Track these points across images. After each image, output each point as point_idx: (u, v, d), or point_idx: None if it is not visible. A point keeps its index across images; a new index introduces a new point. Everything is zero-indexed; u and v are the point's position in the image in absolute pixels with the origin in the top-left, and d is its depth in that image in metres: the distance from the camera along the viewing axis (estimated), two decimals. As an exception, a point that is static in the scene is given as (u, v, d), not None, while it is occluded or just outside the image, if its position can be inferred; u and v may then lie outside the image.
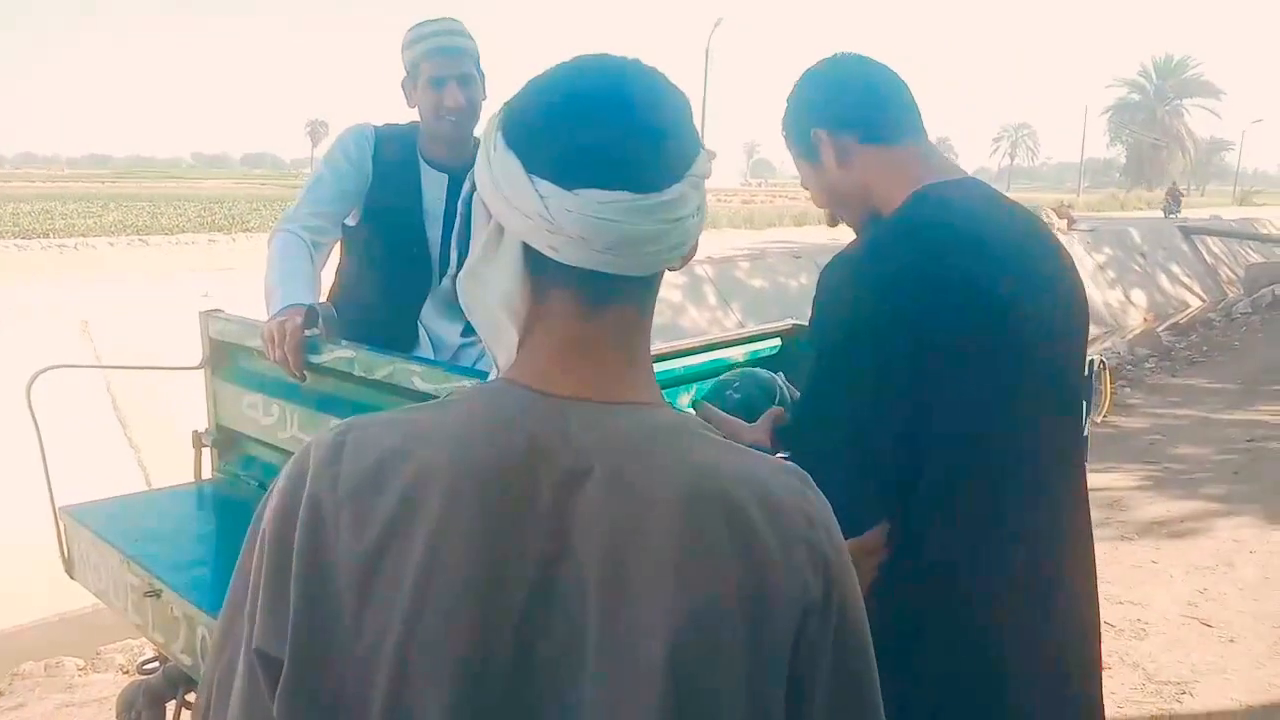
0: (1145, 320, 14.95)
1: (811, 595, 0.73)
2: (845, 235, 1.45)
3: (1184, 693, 3.41)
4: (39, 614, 4.43)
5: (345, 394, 1.97)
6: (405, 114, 2.42)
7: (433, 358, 2.37)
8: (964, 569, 1.26)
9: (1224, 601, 4.23)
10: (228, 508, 2.25)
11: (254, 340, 2.12)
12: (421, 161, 2.37)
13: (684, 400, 3.15)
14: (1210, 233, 21.22)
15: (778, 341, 3.61)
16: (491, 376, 0.87)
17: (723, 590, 0.72)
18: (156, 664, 2.10)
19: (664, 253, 0.78)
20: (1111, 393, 3.49)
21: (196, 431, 2.39)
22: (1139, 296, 16.42)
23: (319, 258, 2.28)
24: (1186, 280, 18.45)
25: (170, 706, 2.05)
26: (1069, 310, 1.37)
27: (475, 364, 2.42)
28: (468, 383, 1.67)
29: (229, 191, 47.50)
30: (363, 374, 1.89)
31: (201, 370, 2.36)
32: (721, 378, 1.92)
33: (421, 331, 2.41)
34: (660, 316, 8.17)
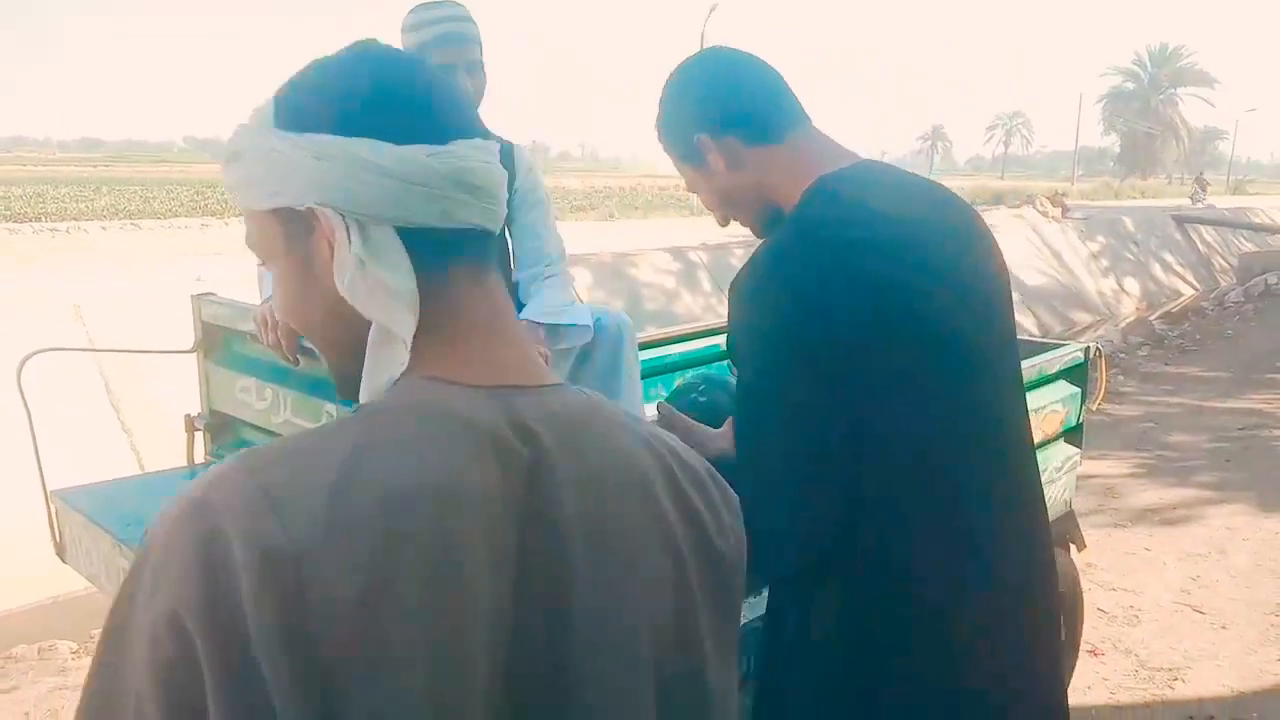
0: (1137, 310, 14.98)
1: (742, 552, 0.81)
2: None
3: (1176, 679, 3.42)
4: (32, 597, 4.41)
5: (339, 378, 1.96)
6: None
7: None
8: (917, 573, 1.23)
9: (1216, 589, 4.25)
10: (221, 492, 2.24)
11: (246, 324, 2.10)
12: None
13: (679, 384, 3.15)
14: (1204, 222, 21.23)
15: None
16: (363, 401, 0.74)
17: (691, 555, 0.75)
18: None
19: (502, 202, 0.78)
20: (1107, 380, 3.49)
21: (189, 415, 2.38)
22: (1132, 285, 16.44)
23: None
24: (1180, 269, 18.47)
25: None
26: (984, 282, 1.34)
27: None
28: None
29: (220, 176, 47.20)
30: (357, 357, 1.88)
31: (194, 354, 2.34)
32: (685, 380, 1.87)
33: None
34: (653, 303, 8.18)
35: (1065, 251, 15.87)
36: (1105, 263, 16.58)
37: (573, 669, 0.68)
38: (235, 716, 0.58)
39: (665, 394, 3.04)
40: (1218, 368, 9.66)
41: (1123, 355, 9.97)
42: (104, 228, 15.78)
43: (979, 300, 1.31)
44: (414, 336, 0.71)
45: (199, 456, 2.39)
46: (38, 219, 16.74)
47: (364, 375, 0.73)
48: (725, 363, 3.29)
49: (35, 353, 2.06)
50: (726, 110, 1.36)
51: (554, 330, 2.26)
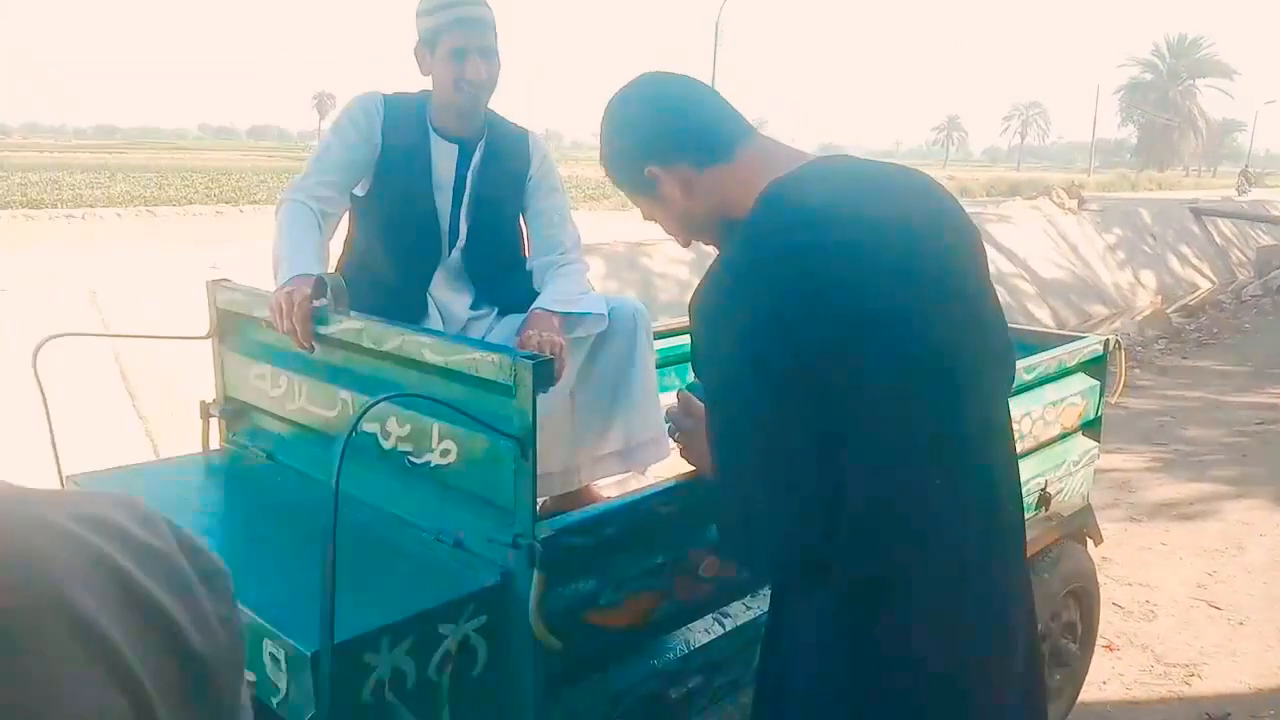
0: (1153, 303, 14.87)
1: (235, 647, 0.60)
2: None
3: (1193, 675, 3.40)
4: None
5: (354, 365, 1.95)
6: (414, 86, 2.39)
7: (441, 329, 2.35)
8: (902, 580, 1.21)
9: (1233, 584, 4.22)
10: (235, 478, 2.24)
11: (262, 310, 2.09)
12: (431, 131, 2.33)
13: (693, 375, 3.13)
14: (1221, 214, 21.02)
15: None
16: None
17: (155, 677, 0.53)
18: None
19: None
20: (1126, 373, 3.45)
21: (204, 402, 2.38)
22: (1149, 278, 16.30)
23: (327, 227, 2.25)
24: (1197, 262, 18.31)
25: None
26: (958, 275, 1.29)
27: (485, 336, 2.40)
28: (477, 354, 1.65)
29: (235, 163, 47.41)
30: (372, 345, 1.87)
31: (209, 340, 2.34)
32: None
33: (430, 303, 2.38)
34: (667, 293, 8.15)
35: (1081, 244, 15.74)
36: (1122, 255, 16.44)
37: None
38: None
39: (680, 384, 3.03)
40: (1235, 361, 9.58)
41: (1139, 348, 9.90)
42: (119, 214, 15.85)
43: (950, 295, 1.26)
44: None
45: (214, 443, 2.39)
46: (54, 205, 16.82)
47: None
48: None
49: (50, 337, 2.05)
50: (671, 138, 1.35)
51: (569, 319, 2.25)
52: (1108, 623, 3.55)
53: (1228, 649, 3.60)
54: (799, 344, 1.14)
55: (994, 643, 1.29)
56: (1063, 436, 2.81)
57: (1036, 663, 1.39)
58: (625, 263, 9.27)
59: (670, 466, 2.49)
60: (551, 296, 2.29)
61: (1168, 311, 13.25)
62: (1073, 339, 2.93)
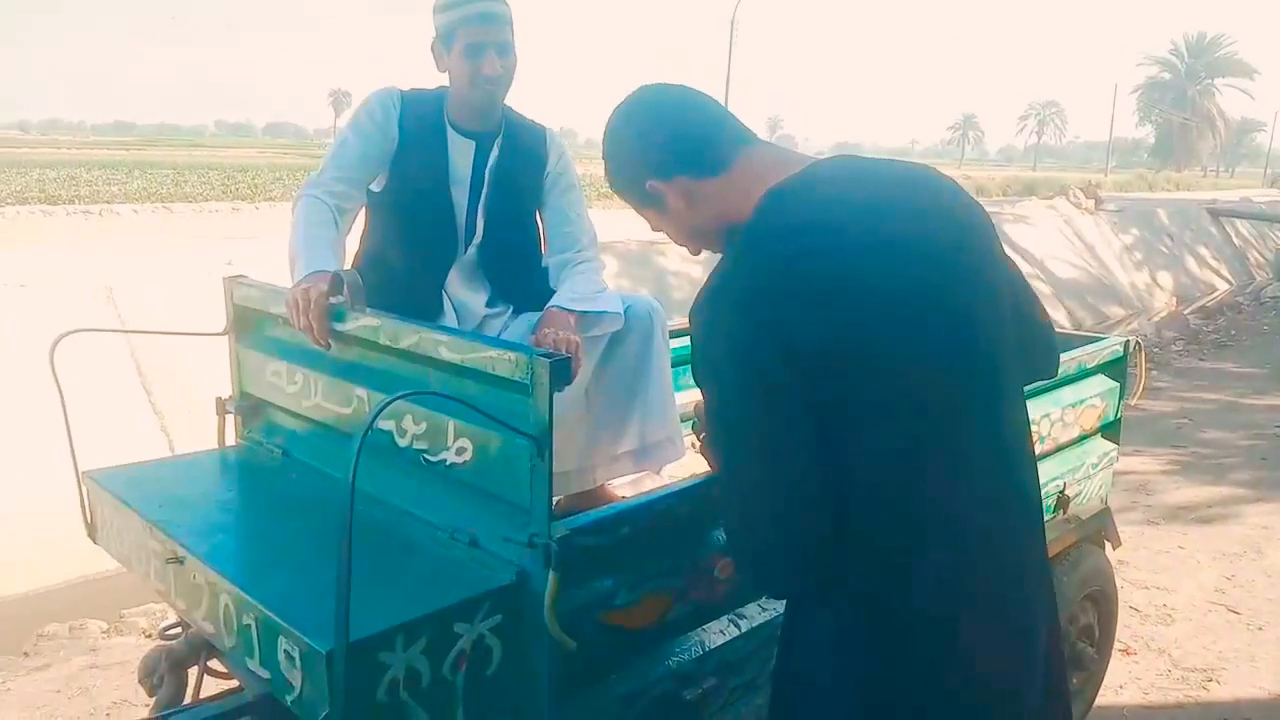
0: (1167, 305, 14.77)
1: None
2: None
3: (1211, 680, 3.37)
4: (64, 576, 4.47)
5: (370, 362, 1.95)
6: (431, 83, 2.38)
7: (457, 326, 2.34)
8: (911, 592, 1.19)
9: (1251, 589, 4.18)
10: (251, 474, 2.24)
11: (278, 307, 2.09)
12: (449, 127, 2.33)
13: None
14: (1239, 215, 20.88)
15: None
16: None
17: None
18: (178, 629, 2.10)
19: None
20: (1146, 375, 3.42)
21: (220, 398, 2.38)
22: (1165, 279, 16.20)
23: (344, 223, 2.25)
24: (1214, 263, 18.18)
25: (192, 672, 2.05)
26: (972, 273, 1.25)
27: (500, 334, 2.39)
28: (494, 353, 1.64)
29: (251, 160, 47.61)
30: (388, 343, 1.86)
31: (225, 337, 2.34)
32: None
33: (446, 300, 2.38)
34: (680, 291, 8.14)
35: (1098, 244, 15.65)
36: (1139, 256, 16.35)
37: None
38: None
39: (693, 383, 3.02)
40: (1253, 363, 9.51)
41: (1156, 350, 9.83)
42: (136, 210, 15.92)
43: (960, 291, 1.23)
44: None
45: (230, 439, 2.39)
46: (71, 201, 16.91)
47: None
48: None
49: (67, 333, 2.06)
50: (670, 152, 1.35)
51: (585, 317, 2.24)
52: (1124, 626, 3.52)
53: (1246, 654, 3.57)
54: (797, 354, 1.13)
55: (1012, 645, 1.26)
56: (1081, 438, 2.79)
57: (1059, 664, 1.37)
58: (638, 261, 9.27)
59: (685, 466, 2.48)
60: (568, 295, 2.28)
61: (1185, 313, 13.16)
62: (1092, 340, 2.91)
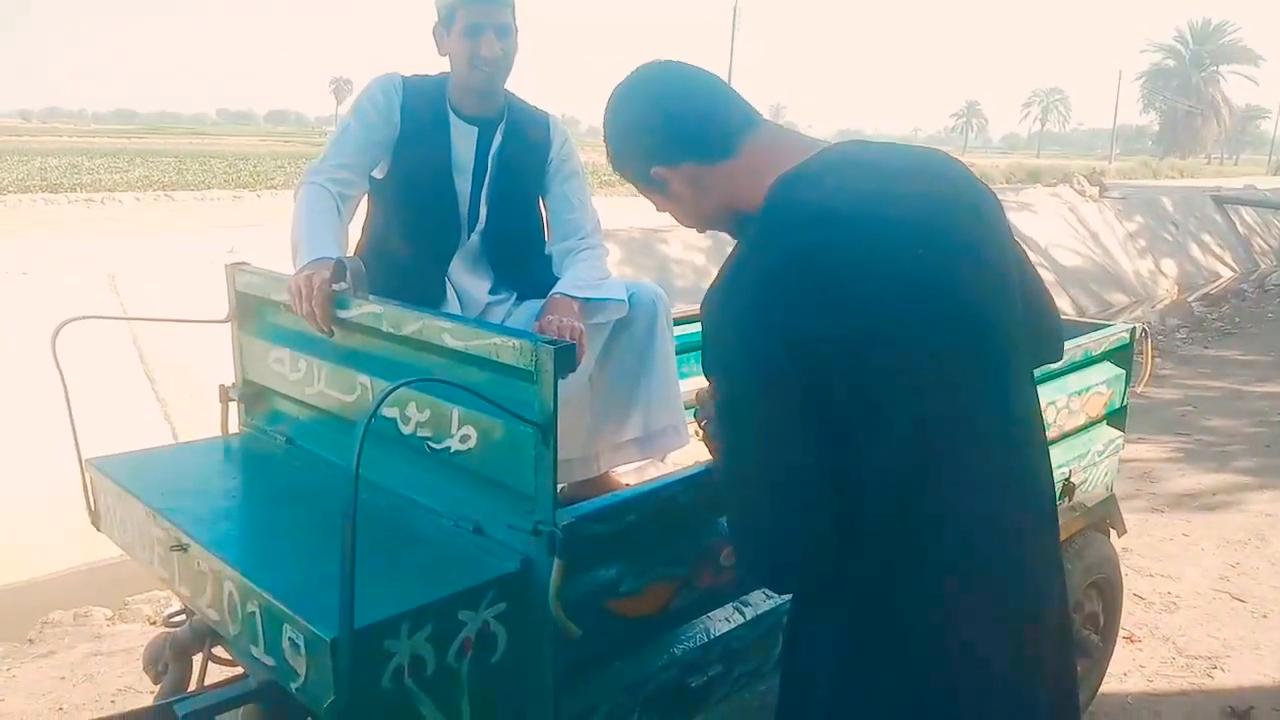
0: (1168, 292, 14.73)
1: None
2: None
3: (1215, 667, 3.36)
4: (68, 563, 4.47)
5: (373, 349, 1.94)
6: (432, 70, 2.37)
7: (460, 313, 2.33)
8: (912, 593, 1.17)
9: (1256, 576, 4.17)
10: (254, 462, 2.23)
11: (281, 294, 2.08)
12: (451, 113, 2.31)
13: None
14: (1244, 203, 20.79)
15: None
16: None
17: None
18: (182, 616, 2.10)
19: None
20: (1153, 362, 3.41)
21: (223, 385, 2.37)
22: (1170, 266, 16.16)
23: (346, 210, 2.24)
24: (1218, 250, 18.12)
25: (196, 659, 2.05)
26: (973, 251, 1.24)
27: (504, 321, 2.38)
28: (498, 339, 1.63)
29: (253, 148, 47.56)
30: (391, 330, 1.86)
31: (228, 324, 2.33)
32: None
33: (449, 287, 2.37)
34: (683, 280, 8.13)
35: (1102, 231, 15.60)
36: (1143, 243, 16.29)
37: None
38: None
39: (697, 370, 3.01)
40: (1258, 351, 9.49)
41: (1160, 337, 9.81)
42: (138, 198, 15.91)
43: (975, 284, 1.21)
44: None
45: (233, 426, 2.39)
46: (73, 190, 16.89)
47: None
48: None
49: (69, 320, 2.05)
50: (676, 136, 1.32)
51: (589, 304, 2.23)
52: (1129, 614, 3.51)
53: (1250, 642, 3.56)
54: (810, 348, 1.11)
55: (1019, 637, 1.24)
56: (1087, 426, 2.78)
57: (1067, 654, 1.35)
58: (641, 248, 9.25)
59: (689, 453, 2.47)
60: (571, 281, 2.27)
61: (1189, 300, 13.13)
62: (1098, 327, 2.89)
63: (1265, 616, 3.78)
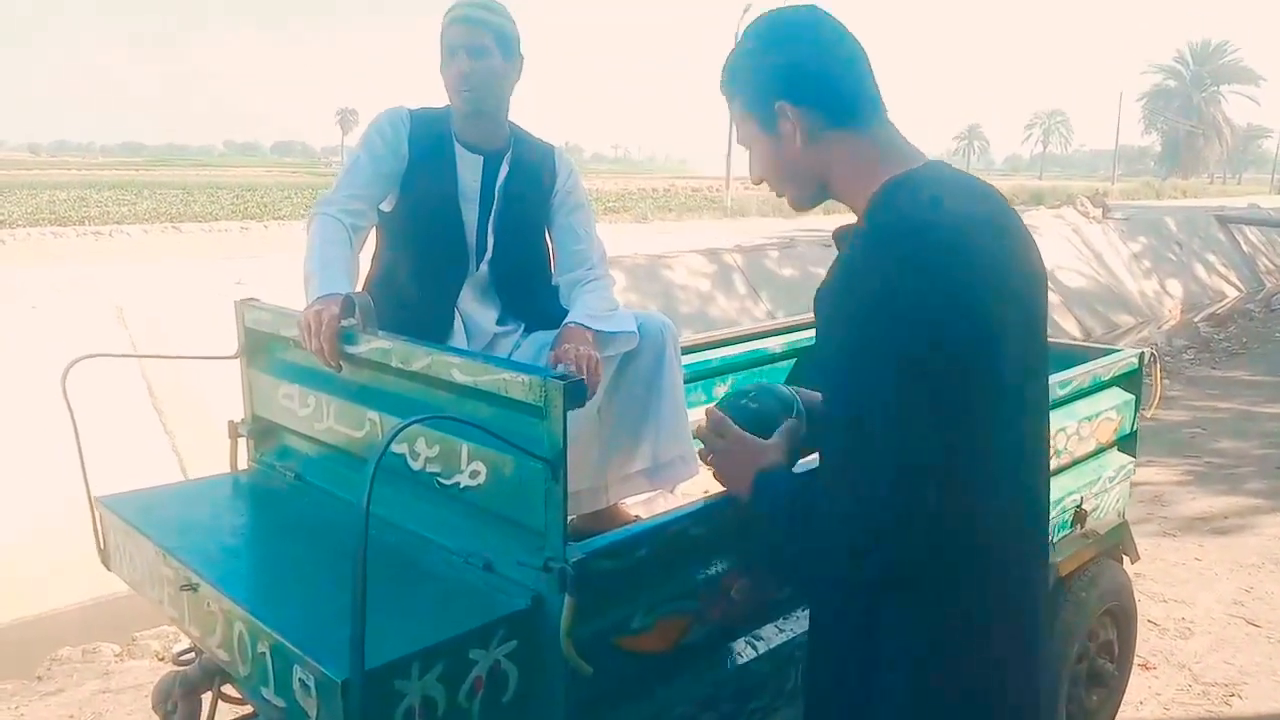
0: (1171, 312, 14.70)
1: None
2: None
3: (1233, 695, 3.32)
4: (75, 598, 4.45)
5: (382, 385, 1.94)
6: (438, 102, 2.39)
7: (467, 345, 2.33)
8: (982, 589, 1.25)
9: (1271, 601, 4.13)
10: (263, 498, 2.23)
11: (290, 330, 2.09)
12: (456, 144, 2.33)
13: (720, 390, 3.11)
14: (1248, 222, 20.78)
15: (814, 332, 3.55)
16: None
17: None
18: (192, 655, 2.09)
19: None
20: (1162, 387, 3.40)
21: (232, 421, 2.37)
22: (1174, 287, 16.13)
23: (358, 241, 2.25)
24: (1223, 270, 18.09)
25: (206, 698, 2.03)
26: (1037, 287, 1.32)
27: (511, 354, 2.38)
28: (507, 375, 1.63)
29: (260, 179, 47.87)
30: (400, 365, 1.86)
31: (237, 360, 2.34)
32: (738, 389, 1.83)
33: (457, 318, 2.37)
34: (688, 306, 8.12)
35: (1106, 252, 15.60)
36: (1147, 264, 16.28)
37: None
38: None
39: (705, 399, 3.01)
40: (1265, 371, 9.45)
41: (1168, 358, 9.78)
42: (146, 231, 16.00)
43: (1032, 308, 1.29)
44: None
45: (242, 462, 2.39)
46: (81, 222, 16.99)
47: None
48: (768, 366, 3.24)
49: (79, 359, 2.06)
50: (817, 82, 1.31)
51: (600, 336, 2.23)
52: (1143, 640, 3.48)
53: (1268, 668, 3.53)
54: (932, 345, 1.13)
55: (1040, 657, 1.34)
56: (1098, 452, 2.76)
57: (1056, 674, 1.49)
58: (646, 275, 9.26)
59: (698, 484, 2.46)
60: (584, 312, 2.27)
61: (1196, 320, 13.10)
62: (1108, 352, 2.89)
63: (1281, 642, 3.74)
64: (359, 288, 2.19)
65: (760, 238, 12.60)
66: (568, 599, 1.50)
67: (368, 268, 2.43)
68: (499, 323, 2.43)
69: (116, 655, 3.89)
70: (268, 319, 2.23)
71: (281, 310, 2.20)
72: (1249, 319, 13.41)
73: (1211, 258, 18.24)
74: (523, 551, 1.61)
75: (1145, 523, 4.97)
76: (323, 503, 2.09)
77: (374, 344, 1.91)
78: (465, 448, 1.72)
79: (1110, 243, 16.03)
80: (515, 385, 1.60)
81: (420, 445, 1.82)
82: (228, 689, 2.01)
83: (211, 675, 2.00)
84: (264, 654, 1.54)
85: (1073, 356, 2.85)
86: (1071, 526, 2.61)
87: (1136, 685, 3.26)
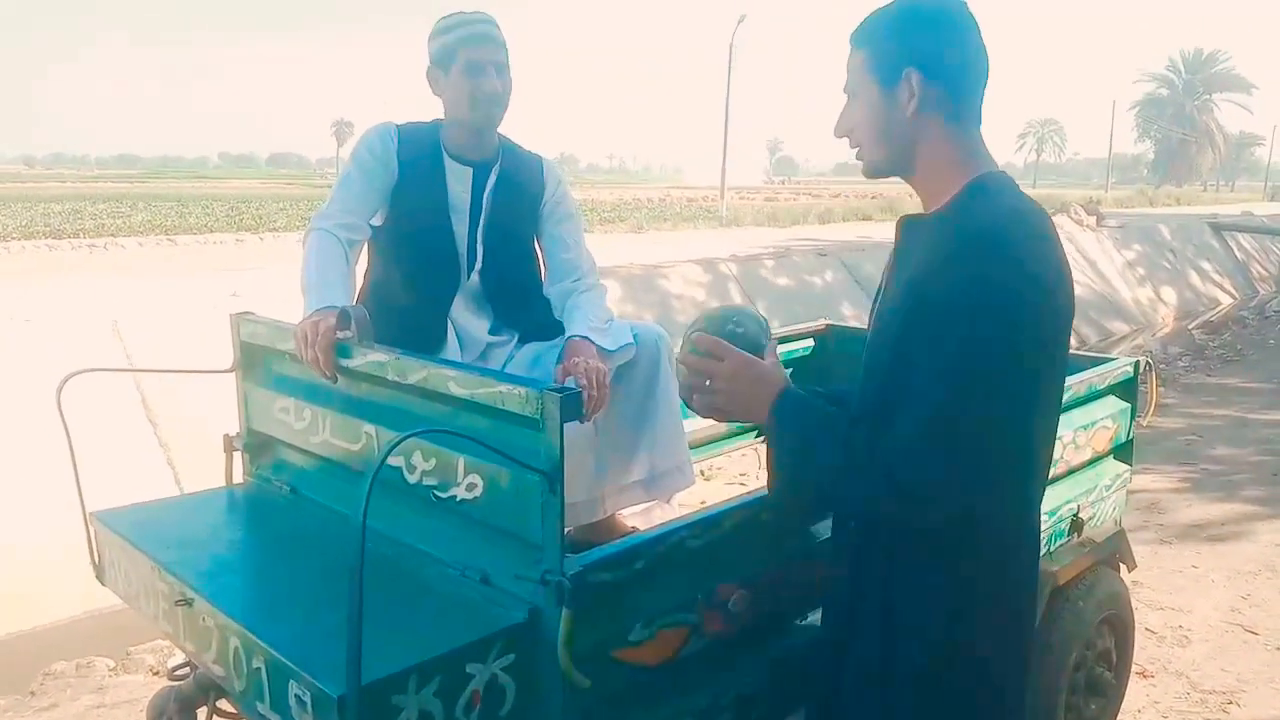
0: (1163, 319, 14.73)
1: None
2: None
3: (1230, 703, 3.32)
4: (69, 612, 4.43)
5: (378, 398, 1.94)
6: (429, 115, 2.40)
7: (460, 355, 2.33)
8: (1013, 557, 1.44)
9: (1268, 608, 4.13)
10: (259, 512, 2.22)
11: (285, 343, 2.09)
12: (445, 156, 2.34)
13: (708, 315, 3.08)
14: (1241, 229, 20.86)
15: (811, 342, 3.55)
16: None
17: None
18: (187, 669, 2.08)
19: None
20: (1158, 395, 3.40)
21: (227, 435, 2.37)
22: (1169, 294, 16.18)
23: (353, 255, 2.26)
24: (1217, 277, 18.16)
25: (201, 713, 2.02)
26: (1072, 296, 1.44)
27: (505, 364, 2.38)
28: (503, 388, 1.63)
29: (255, 191, 47.88)
30: (396, 378, 1.85)
31: (233, 374, 2.33)
32: (716, 312, 1.65)
33: (450, 329, 2.37)
34: (684, 315, 8.15)
35: (1101, 260, 15.64)
36: (1141, 271, 16.33)
37: None
38: None
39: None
40: (1260, 378, 9.47)
41: (1163, 366, 9.79)
42: (140, 243, 15.97)
43: (1072, 312, 1.43)
44: None
45: (237, 476, 2.38)
46: (76, 235, 16.95)
47: None
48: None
49: (74, 374, 2.05)
50: (953, 73, 1.39)
51: (602, 351, 2.23)
52: (1140, 648, 3.47)
53: (1266, 676, 3.52)
54: (1046, 346, 1.31)
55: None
56: (1094, 460, 2.76)
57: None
58: (642, 285, 9.27)
59: (695, 494, 2.46)
60: (586, 324, 2.27)
61: (1190, 328, 13.13)
62: (1103, 360, 2.89)
63: (1279, 649, 3.74)
64: (354, 302, 2.19)
65: (755, 247, 12.62)
66: (565, 612, 1.49)
67: (360, 283, 2.43)
68: (492, 332, 2.44)
69: (111, 670, 3.87)
70: (263, 332, 2.23)
71: (277, 323, 2.20)
72: (1243, 326, 13.44)
73: (1205, 265, 18.30)
74: (520, 564, 1.60)
75: (1142, 530, 4.98)
76: (319, 516, 2.08)
77: (370, 357, 1.91)
78: (462, 461, 1.72)
79: (1104, 250, 16.08)
80: (512, 398, 1.60)
81: (417, 458, 1.81)
82: (223, 704, 2.00)
83: (206, 690, 1.99)
84: (259, 669, 1.53)
85: (1068, 365, 2.85)
86: (1068, 535, 2.61)
87: (1135, 693, 3.25)
